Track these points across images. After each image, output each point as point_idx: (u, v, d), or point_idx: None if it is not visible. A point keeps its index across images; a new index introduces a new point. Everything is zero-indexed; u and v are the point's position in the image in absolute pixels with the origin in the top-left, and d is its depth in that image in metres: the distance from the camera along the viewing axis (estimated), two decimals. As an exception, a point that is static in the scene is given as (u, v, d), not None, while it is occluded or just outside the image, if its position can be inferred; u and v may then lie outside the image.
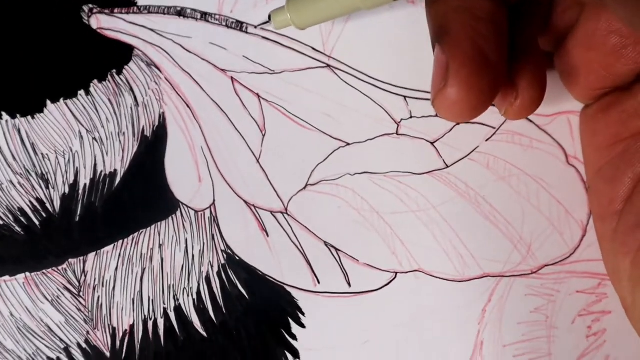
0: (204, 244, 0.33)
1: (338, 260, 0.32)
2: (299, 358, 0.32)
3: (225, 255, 0.33)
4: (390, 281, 0.31)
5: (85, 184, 0.34)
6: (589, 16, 0.26)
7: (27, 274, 0.34)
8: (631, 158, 0.26)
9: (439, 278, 0.31)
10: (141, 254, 0.33)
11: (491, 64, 0.24)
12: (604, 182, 0.27)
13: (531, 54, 0.26)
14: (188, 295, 0.33)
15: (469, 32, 0.24)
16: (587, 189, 0.29)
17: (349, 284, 0.32)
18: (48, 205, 0.34)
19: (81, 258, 0.34)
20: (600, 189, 0.27)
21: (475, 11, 0.24)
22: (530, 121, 0.30)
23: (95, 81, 0.34)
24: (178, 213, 0.33)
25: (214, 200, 0.33)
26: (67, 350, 0.34)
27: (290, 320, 0.32)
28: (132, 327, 0.33)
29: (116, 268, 0.34)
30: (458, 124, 0.30)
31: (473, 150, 0.31)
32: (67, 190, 0.34)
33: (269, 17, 0.31)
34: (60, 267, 0.34)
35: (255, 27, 0.32)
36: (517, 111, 0.26)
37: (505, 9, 0.25)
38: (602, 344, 0.30)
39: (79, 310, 0.34)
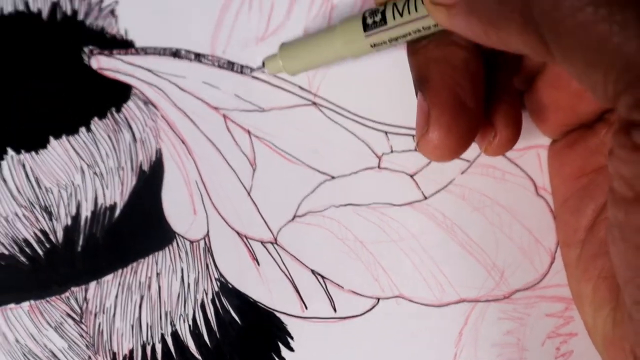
0: (198, 272, 0.34)
1: (324, 287, 0.33)
2: (288, 380, 0.34)
3: (218, 283, 0.34)
4: (373, 306, 0.32)
5: (86, 216, 0.35)
6: None
7: (32, 301, 0.35)
8: (593, 191, 0.28)
9: (419, 303, 0.32)
10: (140, 282, 0.34)
11: (469, 109, 0.26)
12: (569, 212, 0.29)
13: (507, 95, 0.28)
14: (184, 321, 0.34)
15: (448, 81, 0.26)
16: (555, 218, 0.31)
17: (335, 309, 0.33)
18: (51, 236, 0.35)
19: (83, 286, 0.35)
20: (566, 219, 0.29)
21: (453, 61, 0.26)
22: (502, 155, 0.32)
23: (96, 118, 0.35)
24: (174, 243, 0.34)
25: (208, 231, 0.34)
26: (70, 374, 0.35)
27: (280, 344, 0.33)
28: (131, 351, 0.34)
29: (116, 296, 0.34)
30: (438, 160, 0.32)
31: (449, 183, 0.32)
32: (69, 222, 0.35)
33: (263, 63, 0.33)
34: (63, 295, 0.35)
35: (251, 71, 0.34)
36: (495, 149, 0.27)
37: (480, 57, 0.27)
38: (570, 365, 0.31)
39: (81, 336, 0.35)
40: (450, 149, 0.26)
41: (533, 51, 0.21)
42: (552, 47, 0.20)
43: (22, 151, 0.36)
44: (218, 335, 0.34)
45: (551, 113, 0.29)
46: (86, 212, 0.35)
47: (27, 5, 0.37)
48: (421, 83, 0.26)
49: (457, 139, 0.25)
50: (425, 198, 0.32)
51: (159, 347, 0.34)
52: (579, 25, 0.19)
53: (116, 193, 0.35)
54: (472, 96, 0.26)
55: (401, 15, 0.27)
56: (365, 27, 0.28)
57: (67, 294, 0.35)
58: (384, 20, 0.28)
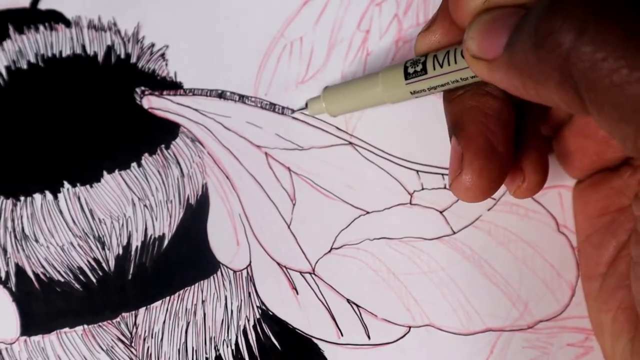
0: (241, 300, 0.35)
1: (359, 315, 0.34)
2: (325, 404, 0.35)
3: (260, 311, 0.35)
4: (405, 334, 0.34)
5: (137, 246, 0.37)
6: None
7: (85, 326, 0.36)
8: (616, 229, 0.30)
9: (448, 332, 0.33)
10: (186, 309, 0.36)
11: (499, 155, 0.27)
12: (592, 247, 0.31)
13: (535, 142, 0.29)
14: (227, 347, 0.35)
15: (481, 128, 0.28)
16: (577, 252, 0.33)
17: (369, 337, 0.34)
18: (104, 264, 0.37)
19: (133, 312, 0.36)
20: (588, 253, 0.31)
21: (486, 110, 0.28)
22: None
23: (146, 154, 0.38)
24: (219, 273, 0.36)
25: (250, 262, 0.36)
26: (120, 395, 0.37)
27: None
28: (178, 374, 0.36)
29: (164, 321, 0.36)
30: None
31: (477, 219, 0.34)
32: (120, 252, 0.37)
33: (306, 104, 0.35)
34: (114, 320, 0.36)
35: (293, 111, 0.37)
36: (524, 192, 0.29)
37: (511, 106, 0.28)
38: (590, 392, 0.33)
39: (131, 359, 0.36)
40: (481, 191, 0.27)
41: (568, 105, 0.22)
42: (587, 102, 0.21)
43: (78, 184, 0.37)
44: (259, 360, 0.36)
45: (578, 158, 0.31)
46: (136, 242, 0.37)
47: (84, 48, 0.40)
48: (456, 129, 0.28)
49: (488, 182, 0.27)
50: (454, 233, 0.34)
51: (203, 371, 0.36)
52: (615, 85, 0.20)
53: (165, 225, 0.37)
54: (503, 142, 0.27)
55: (441, 66, 0.29)
56: (407, 76, 0.31)
57: (118, 319, 0.36)
58: (424, 70, 0.30)
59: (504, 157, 0.27)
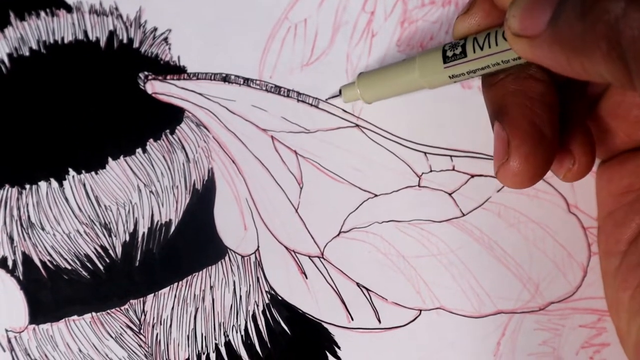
0: (250, 285, 0.35)
1: (369, 299, 0.34)
2: (335, 388, 0.35)
3: (269, 296, 0.35)
4: (415, 317, 0.34)
5: (143, 233, 0.37)
6: (616, 90, 0.29)
7: (93, 313, 0.36)
8: None
9: (458, 314, 0.33)
10: (194, 295, 0.36)
11: (546, 138, 0.27)
12: (613, 224, 0.31)
13: (580, 124, 0.29)
14: (237, 332, 0.35)
15: (526, 112, 0.27)
16: (597, 228, 0.32)
17: (379, 321, 0.34)
18: (111, 251, 0.37)
19: (141, 299, 0.36)
20: (609, 230, 0.31)
21: (529, 93, 0.27)
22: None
23: (151, 140, 0.37)
24: (226, 258, 0.36)
25: (258, 246, 0.36)
26: (130, 382, 0.36)
27: (328, 354, 0.34)
28: (187, 360, 0.36)
29: (172, 308, 0.36)
30: (472, 176, 0.34)
31: (486, 201, 0.34)
32: (127, 238, 0.37)
33: (340, 91, 0.35)
34: (122, 307, 0.36)
35: (325, 100, 0.36)
36: (575, 175, 0.29)
37: (555, 88, 0.28)
38: (603, 373, 0.33)
39: (140, 346, 0.36)
40: (530, 177, 0.26)
41: (615, 78, 0.21)
42: (634, 75, 0.20)
43: (83, 171, 0.37)
44: (269, 345, 0.35)
45: (607, 139, 0.31)
46: (143, 228, 0.36)
47: (86, 34, 0.39)
48: (500, 114, 0.27)
49: (536, 167, 0.26)
50: (464, 215, 0.34)
51: (213, 357, 0.35)
52: None
53: (171, 210, 0.36)
54: (549, 126, 0.27)
55: (481, 48, 0.28)
56: (445, 60, 0.30)
57: (126, 306, 0.36)
58: (464, 54, 0.29)
59: (550, 140, 0.27)
